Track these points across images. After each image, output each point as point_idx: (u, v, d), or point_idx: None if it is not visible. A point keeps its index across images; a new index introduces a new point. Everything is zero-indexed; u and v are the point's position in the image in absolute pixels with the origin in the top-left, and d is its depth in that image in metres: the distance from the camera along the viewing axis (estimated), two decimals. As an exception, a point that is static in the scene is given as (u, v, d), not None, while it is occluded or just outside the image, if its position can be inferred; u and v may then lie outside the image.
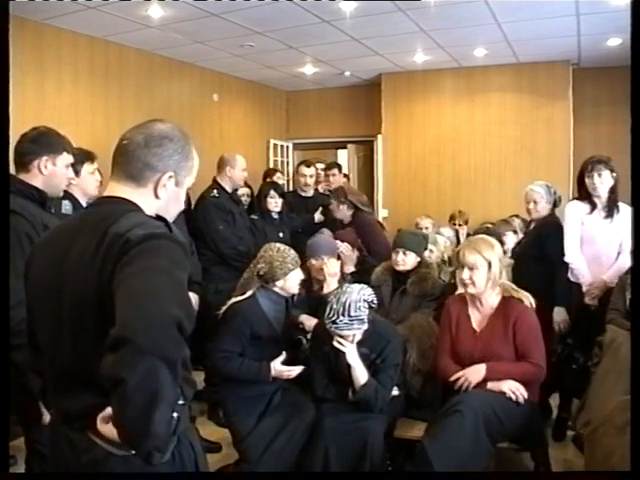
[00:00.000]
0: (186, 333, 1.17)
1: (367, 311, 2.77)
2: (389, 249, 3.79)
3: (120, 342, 1.09)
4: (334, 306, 2.74)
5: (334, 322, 2.73)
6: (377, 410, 2.81)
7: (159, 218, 1.44)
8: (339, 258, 3.71)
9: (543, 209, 3.88)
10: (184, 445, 1.40)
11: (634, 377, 1.75)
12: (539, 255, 3.74)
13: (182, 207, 1.55)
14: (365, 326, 2.79)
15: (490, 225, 5.03)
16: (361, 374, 2.81)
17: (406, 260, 3.50)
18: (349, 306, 2.71)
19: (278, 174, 6.00)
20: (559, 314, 3.62)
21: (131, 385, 1.06)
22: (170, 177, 1.44)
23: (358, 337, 2.80)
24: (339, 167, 5.85)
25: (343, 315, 2.70)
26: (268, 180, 5.76)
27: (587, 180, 3.63)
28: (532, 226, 4.09)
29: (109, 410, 1.18)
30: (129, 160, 1.42)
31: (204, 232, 4.22)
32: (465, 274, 2.85)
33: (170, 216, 1.50)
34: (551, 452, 3.35)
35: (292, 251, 3.05)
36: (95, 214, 1.42)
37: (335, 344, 2.78)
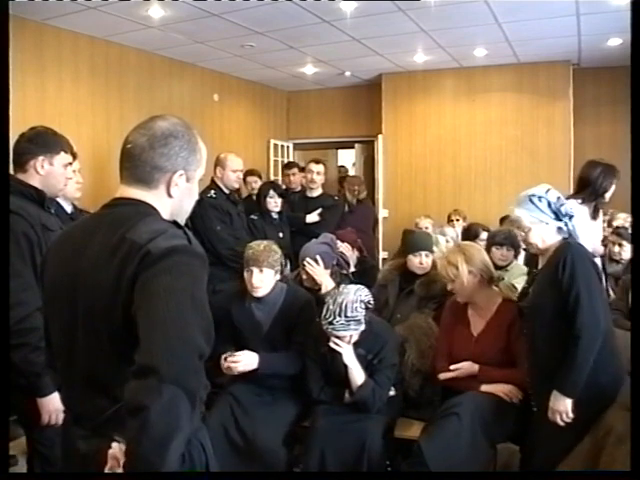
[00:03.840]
0: (205, 358, 1.22)
1: (364, 312, 2.77)
2: None
3: (146, 371, 1.13)
4: (330, 307, 2.74)
5: (330, 323, 2.73)
6: (374, 410, 2.80)
7: (176, 224, 1.40)
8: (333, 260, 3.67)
9: (541, 236, 2.47)
10: (194, 446, 1.40)
11: (634, 377, 1.75)
12: (562, 312, 2.35)
13: (196, 199, 1.52)
14: (362, 327, 2.78)
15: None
16: (358, 375, 2.80)
17: (428, 262, 3.44)
18: (345, 307, 2.72)
19: (249, 177, 5.94)
20: (562, 404, 2.33)
21: (153, 413, 1.09)
22: (181, 175, 1.41)
23: (355, 338, 2.80)
24: (298, 166, 5.81)
25: (339, 316, 2.71)
26: (247, 180, 5.75)
27: (609, 192, 3.54)
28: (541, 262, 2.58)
29: (116, 450, 1.21)
30: (137, 164, 1.38)
31: (201, 232, 4.21)
32: (449, 286, 2.92)
33: (185, 211, 1.49)
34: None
35: (249, 251, 3.00)
36: (111, 215, 1.39)
37: (331, 345, 2.78)
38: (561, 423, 2.32)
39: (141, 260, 1.23)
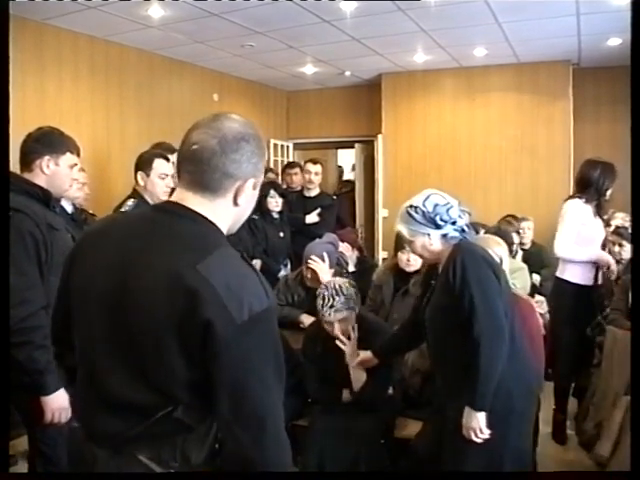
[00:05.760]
0: None
1: (354, 290, 2.88)
2: None
3: (240, 460, 1.17)
4: (326, 293, 2.82)
5: (332, 306, 2.79)
6: (375, 408, 2.81)
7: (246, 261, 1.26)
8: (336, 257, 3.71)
9: (425, 247, 2.30)
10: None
11: (634, 377, 1.76)
12: (460, 320, 2.14)
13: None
14: (356, 309, 2.88)
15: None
16: (360, 374, 2.81)
17: (417, 259, 3.42)
18: (340, 287, 2.83)
19: (269, 174, 6.03)
20: (474, 420, 2.15)
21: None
22: (251, 183, 1.29)
23: (355, 334, 2.81)
24: (300, 166, 5.83)
25: (338, 296, 2.81)
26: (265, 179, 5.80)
27: (610, 190, 3.58)
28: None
29: None
30: (204, 169, 1.23)
31: None
32: None
33: (245, 218, 1.38)
34: (552, 452, 3.37)
35: None
36: (170, 228, 1.24)
37: (338, 343, 2.79)
38: (478, 440, 2.15)
39: (222, 323, 1.12)
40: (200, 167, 1.23)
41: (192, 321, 1.12)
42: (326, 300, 2.80)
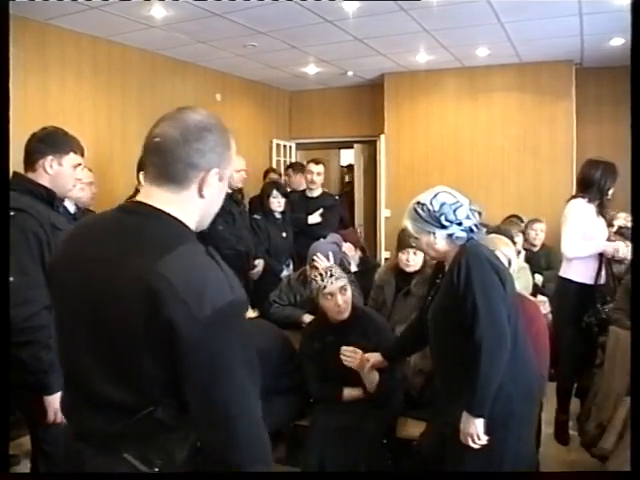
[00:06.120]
0: None
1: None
2: None
3: (220, 459, 1.16)
4: (322, 271, 2.99)
5: (332, 275, 2.93)
6: (384, 405, 2.84)
7: (210, 254, 1.24)
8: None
9: (430, 246, 2.26)
10: None
11: (634, 377, 1.76)
12: (462, 322, 2.13)
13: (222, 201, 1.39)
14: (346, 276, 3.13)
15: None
16: (373, 375, 2.82)
17: (416, 260, 3.46)
18: (331, 265, 3.16)
19: (272, 174, 6.03)
20: (472, 426, 2.12)
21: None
22: (216, 173, 1.27)
23: (369, 361, 2.79)
24: (294, 167, 5.81)
25: (333, 267, 3.05)
26: (267, 179, 5.83)
27: (612, 189, 3.58)
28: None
29: None
30: (167, 161, 1.23)
31: (203, 232, 4.21)
32: None
33: (213, 213, 1.37)
34: (554, 453, 3.37)
35: None
36: (136, 228, 1.24)
37: (345, 363, 2.79)
38: (475, 446, 2.12)
39: (185, 321, 1.11)
40: (164, 158, 1.24)
41: (156, 320, 1.12)
42: (324, 274, 2.93)
